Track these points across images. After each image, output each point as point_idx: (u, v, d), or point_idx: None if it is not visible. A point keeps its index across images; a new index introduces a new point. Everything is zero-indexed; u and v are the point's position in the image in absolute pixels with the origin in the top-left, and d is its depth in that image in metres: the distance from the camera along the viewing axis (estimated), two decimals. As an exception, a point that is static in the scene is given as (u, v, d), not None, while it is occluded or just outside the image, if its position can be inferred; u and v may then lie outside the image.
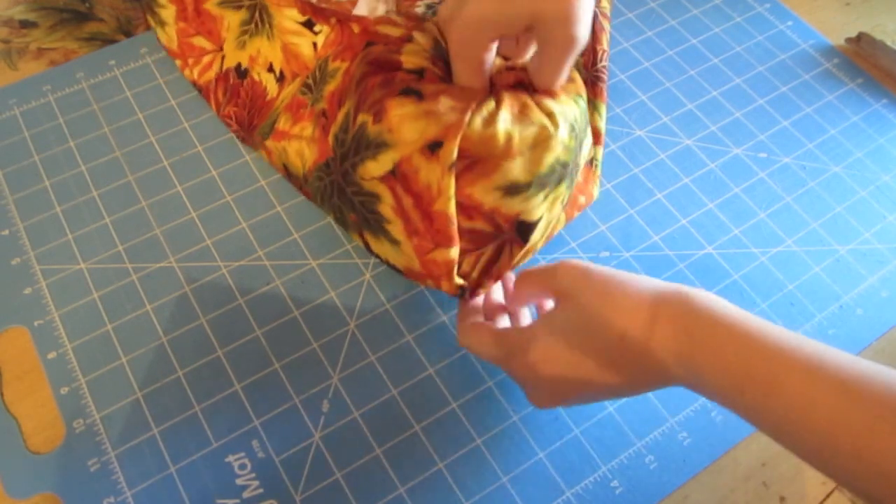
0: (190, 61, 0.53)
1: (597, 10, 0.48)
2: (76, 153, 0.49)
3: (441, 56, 0.38)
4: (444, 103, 0.35)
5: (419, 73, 0.37)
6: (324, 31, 0.49)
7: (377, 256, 0.43)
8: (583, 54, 0.47)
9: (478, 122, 0.35)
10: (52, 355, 0.42)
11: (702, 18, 0.60)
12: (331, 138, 0.40)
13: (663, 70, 0.56)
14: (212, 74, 0.52)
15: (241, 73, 0.51)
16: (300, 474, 0.39)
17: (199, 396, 0.41)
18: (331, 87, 0.42)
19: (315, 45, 0.48)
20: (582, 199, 0.47)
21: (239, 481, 0.39)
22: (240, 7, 0.52)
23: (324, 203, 0.44)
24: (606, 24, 0.49)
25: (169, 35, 0.53)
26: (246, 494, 0.38)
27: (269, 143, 0.48)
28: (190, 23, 0.53)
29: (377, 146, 0.37)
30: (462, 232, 0.38)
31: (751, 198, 0.50)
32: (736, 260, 0.48)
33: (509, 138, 0.36)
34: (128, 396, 0.41)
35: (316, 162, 0.43)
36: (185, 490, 0.38)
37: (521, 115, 0.36)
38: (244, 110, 0.50)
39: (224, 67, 0.52)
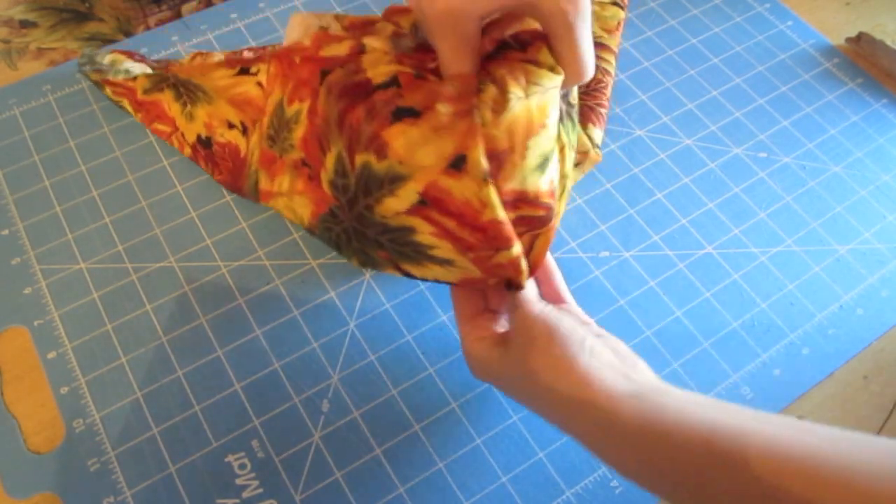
0: (169, 142, 0.50)
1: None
2: (76, 153, 0.49)
3: (405, 49, 0.35)
4: (444, 111, 0.32)
5: (393, 82, 0.33)
6: (262, 70, 0.46)
7: (422, 279, 0.39)
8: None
9: (488, 115, 0.32)
10: (52, 355, 0.42)
11: (702, 18, 0.60)
12: (326, 187, 0.37)
13: (663, 70, 0.56)
14: (188, 151, 0.49)
15: (205, 142, 0.49)
16: (300, 474, 0.39)
17: (199, 396, 0.41)
18: (298, 133, 0.38)
19: (260, 83, 0.45)
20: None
21: (239, 481, 0.39)
22: (162, 89, 0.50)
23: (342, 250, 0.40)
24: (610, 58, 0.49)
25: (140, 121, 0.51)
26: (246, 494, 0.38)
27: (263, 204, 0.45)
28: (142, 112, 0.51)
29: (392, 181, 0.33)
30: (515, 222, 0.35)
31: (751, 198, 0.50)
32: (736, 260, 0.47)
33: (529, 114, 0.32)
34: (128, 396, 0.41)
35: (315, 213, 0.40)
36: (184, 490, 0.38)
37: (529, 82, 0.32)
38: (228, 175, 0.48)
39: (190, 143, 0.49)
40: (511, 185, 0.33)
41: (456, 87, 0.32)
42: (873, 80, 0.57)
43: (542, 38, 0.34)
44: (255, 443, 0.40)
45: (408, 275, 0.38)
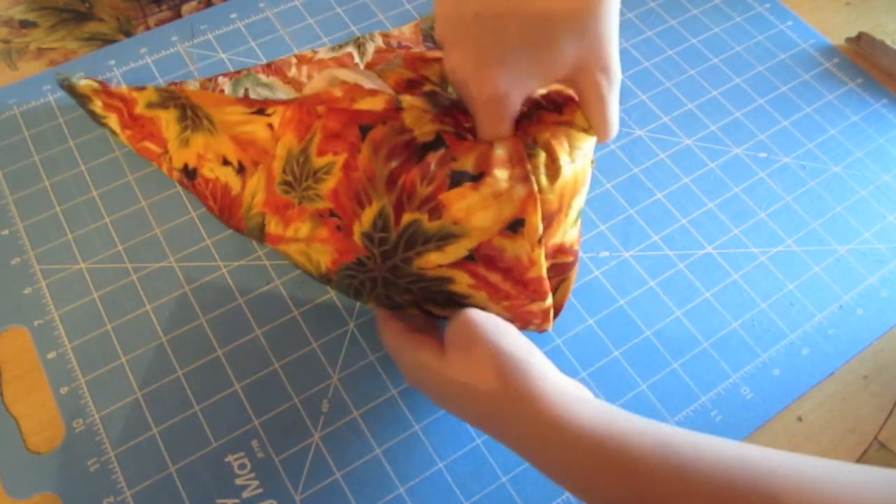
0: (154, 164, 0.49)
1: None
2: (76, 153, 0.49)
3: (442, 106, 0.36)
4: (501, 176, 0.33)
5: (439, 142, 0.34)
6: (278, 111, 0.44)
7: (440, 316, 0.40)
8: None
9: (544, 181, 0.34)
10: (51, 355, 0.42)
11: (702, 18, 0.60)
12: (358, 238, 0.37)
13: (663, 70, 0.56)
14: (176, 175, 0.48)
15: (190, 173, 0.47)
16: (300, 474, 0.39)
17: (199, 396, 0.41)
18: (329, 184, 0.37)
19: (270, 125, 0.43)
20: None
21: (239, 481, 0.39)
22: (168, 107, 0.48)
23: (361, 296, 0.40)
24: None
25: (126, 141, 0.49)
26: (246, 494, 0.38)
27: (268, 245, 0.44)
28: (133, 129, 0.48)
29: (441, 238, 0.35)
30: (549, 270, 0.37)
31: (751, 198, 0.50)
32: (736, 260, 0.47)
33: (575, 176, 0.35)
34: (128, 396, 0.41)
35: (337, 261, 0.39)
36: (184, 490, 0.38)
37: (572, 147, 0.35)
38: (217, 212, 0.46)
39: (177, 168, 0.47)
40: (554, 241, 0.36)
41: (507, 151, 0.34)
42: (873, 80, 0.57)
43: (574, 101, 0.36)
44: (255, 443, 0.40)
45: (428, 313, 0.40)
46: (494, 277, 0.36)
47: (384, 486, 0.39)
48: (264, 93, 0.51)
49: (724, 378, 0.43)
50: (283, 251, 0.42)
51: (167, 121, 0.48)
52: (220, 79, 0.52)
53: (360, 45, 0.54)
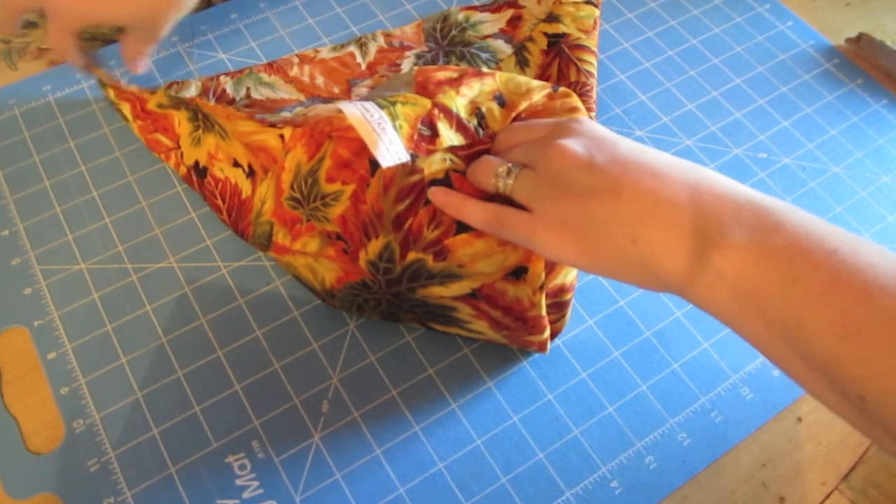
0: (162, 156, 0.49)
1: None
2: (76, 153, 0.49)
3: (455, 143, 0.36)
4: None
5: (446, 181, 0.35)
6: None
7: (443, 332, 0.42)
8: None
9: None
10: (52, 355, 0.42)
11: (702, 18, 0.60)
12: (364, 265, 0.38)
13: (663, 70, 0.56)
14: (183, 170, 0.48)
15: (200, 171, 0.46)
16: (300, 474, 0.39)
17: (199, 396, 0.41)
18: (337, 210, 0.37)
19: (282, 136, 0.41)
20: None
21: (239, 482, 0.39)
22: (179, 108, 0.47)
23: (364, 312, 0.41)
24: (591, 59, 0.49)
25: (135, 131, 0.49)
26: (246, 495, 0.38)
27: (273, 255, 0.43)
28: (145, 120, 0.49)
29: (445, 277, 0.36)
30: (549, 308, 0.38)
31: (751, 198, 0.50)
32: (736, 260, 0.47)
33: None
34: (128, 396, 0.41)
35: (342, 280, 0.40)
36: (184, 490, 0.38)
37: None
38: (224, 214, 0.46)
39: (187, 165, 0.47)
40: (555, 283, 0.37)
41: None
42: (873, 81, 0.57)
43: None
44: (255, 443, 0.40)
45: (430, 328, 0.41)
46: (495, 313, 0.37)
47: (384, 486, 0.39)
48: (266, 92, 0.51)
49: (724, 378, 0.43)
50: (287, 262, 0.42)
51: (179, 119, 0.48)
52: (223, 77, 0.52)
53: (362, 45, 0.54)
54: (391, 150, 0.34)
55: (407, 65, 0.53)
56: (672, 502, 0.39)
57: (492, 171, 0.34)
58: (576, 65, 0.48)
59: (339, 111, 0.37)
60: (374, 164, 0.36)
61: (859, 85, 0.57)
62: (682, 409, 0.42)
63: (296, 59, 0.53)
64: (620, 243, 0.30)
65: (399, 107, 0.36)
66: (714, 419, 0.42)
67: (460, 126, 0.37)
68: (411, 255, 0.36)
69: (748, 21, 0.60)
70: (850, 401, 0.26)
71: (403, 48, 0.54)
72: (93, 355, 0.42)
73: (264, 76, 0.52)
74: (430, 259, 0.35)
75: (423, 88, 0.38)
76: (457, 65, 0.52)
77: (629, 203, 0.30)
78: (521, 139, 0.36)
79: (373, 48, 0.54)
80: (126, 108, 0.49)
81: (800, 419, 0.42)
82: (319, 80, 0.52)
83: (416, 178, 0.35)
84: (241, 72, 0.52)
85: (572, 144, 0.32)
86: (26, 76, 0.53)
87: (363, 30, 0.56)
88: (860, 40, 0.58)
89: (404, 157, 0.34)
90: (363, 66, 0.53)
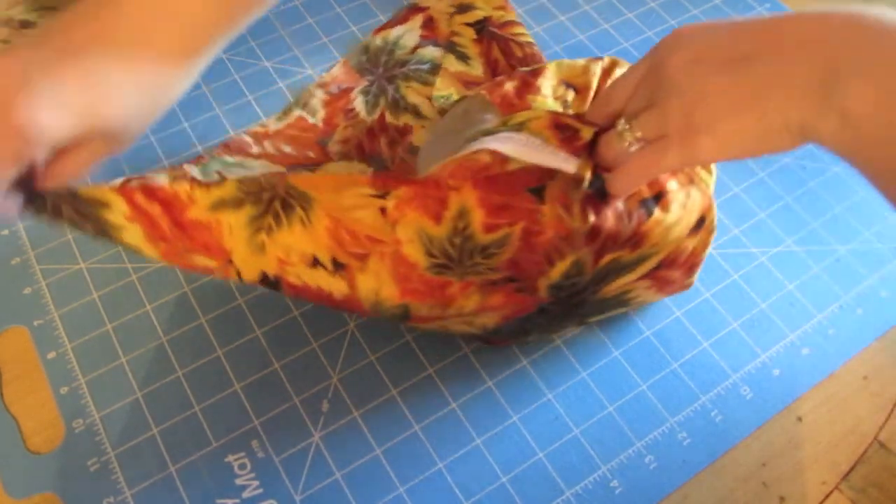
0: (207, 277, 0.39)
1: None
2: (76, 153, 0.49)
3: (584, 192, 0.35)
4: (674, 187, 0.35)
5: (599, 178, 0.34)
6: (393, 193, 0.35)
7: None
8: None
9: (703, 174, 0.37)
10: (51, 355, 0.42)
11: (702, 18, 0.60)
12: (544, 292, 0.37)
13: (663, 70, 0.56)
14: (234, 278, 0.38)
15: (271, 283, 0.37)
16: (300, 474, 0.39)
17: (199, 396, 0.41)
18: (504, 256, 0.35)
19: (383, 209, 0.35)
20: None
21: (239, 481, 0.39)
22: (242, 204, 0.35)
23: (529, 334, 0.42)
24: (522, 30, 0.49)
25: (153, 256, 0.36)
26: (246, 494, 0.38)
27: (412, 325, 0.41)
28: (172, 241, 0.36)
29: (636, 262, 0.37)
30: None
31: (751, 198, 0.50)
32: (736, 260, 0.47)
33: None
34: (128, 396, 0.41)
35: (510, 317, 0.38)
36: (184, 490, 0.38)
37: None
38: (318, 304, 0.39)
39: (248, 280, 0.37)
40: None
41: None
42: (873, 80, 0.57)
43: None
44: (255, 443, 0.40)
45: (584, 323, 0.43)
46: (674, 274, 0.39)
47: (384, 486, 0.39)
48: (239, 171, 0.45)
49: (725, 378, 0.43)
50: (434, 327, 0.40)
51: (232, 225, 0.35)
52: (186, 166, 0.45)
53: (304, 105, 0.50)
54: (565, 160, 0.33)
55: (360, 105, 0.50)
56: (672, 502, 0.39)
57: (614, 135, 0.33)
58: (513, 41, 0.48)
59: (474, 153, 0.35)
60: (537, 191, 0.34)
61: (859, 84, 0.56)
62: (682, 408, 0.42)
63: (249, 139, 0.48)
64: (761, 108, 0.29)
65: (528, 126, 0.35)
66: (714, 419, 0.42)
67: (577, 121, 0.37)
68: (606, 258, 0.36)
69: (748, 21, 0.60)
70: None
71: (345, 91, 0.50)
72: (93, 355, 0.42)
73: (228, 158, 0.47)
74: (625, 253, 0.36)
75: (511, 106, 0.38)
76: (406, 86, 0.50)
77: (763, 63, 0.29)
78: (622, 96, 0.34)
79: (317, 103, 0.50)
80: (134, 233, 0.35)
81: (800, 419, 0.42)
82: (288, 149, 0.48)
83: (584, 187, 0.33)
84: (201, 158, 0.46)
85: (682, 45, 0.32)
86: (26, 76, 0.53)
87: (363, 30, 0.56)
88: (860, 40, 0.58)
89: (574, 161, 0.33)
90: (320, 125, 0.49)
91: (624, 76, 0.34)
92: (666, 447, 0.41)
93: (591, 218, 0.33)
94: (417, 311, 0.37)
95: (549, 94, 0.39)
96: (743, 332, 0.45)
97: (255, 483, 0.39)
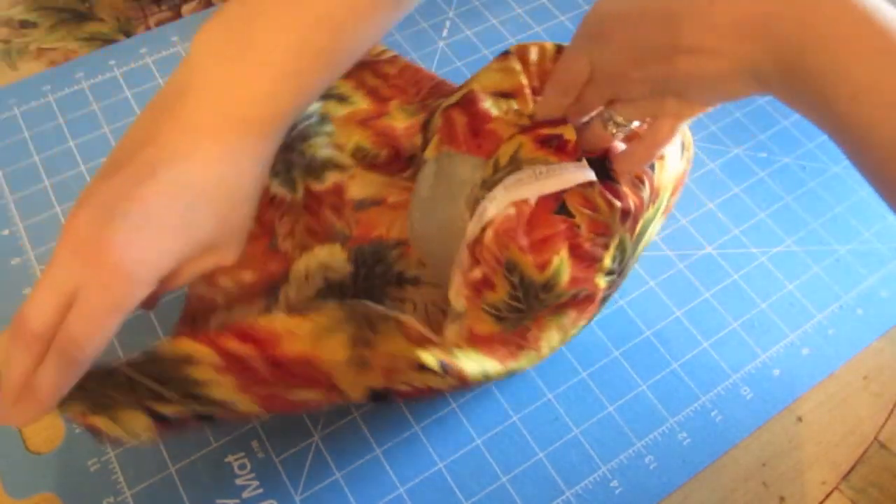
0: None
1: None
2: (76, 153, 0.49)
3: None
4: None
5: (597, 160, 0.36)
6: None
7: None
8: None
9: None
10: (52, 355, 0.42)
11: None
12: (601, 282, 0.36)
13: (663, 70, 0.56)
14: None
15: (380, 395, 0.34)
16: (300, 474, 0.39)
17: (199, 396, 0.41)
18: (564, 279, 0.35)
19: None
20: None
21: (239, 481, 0.39)
22: (342, 329, 0.32)
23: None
24: None
25: (249, 410, 0.33)
26: (246, 494, 0.38)
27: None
28: (271, 383, 0.32)
29: (656, 212, 0.38)
30: None
31: (751, 198, 0.50)
32: (736, 260, 0.47)
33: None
34: (128, 396, 0.41)
35: (588, 319, 0.39)
36: (184, 490, 0.38)
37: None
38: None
39: (355, 398, 0.34)
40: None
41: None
42: (873, 80, 0.57)
43: None
44: (255, 443, 0.40)
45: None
46: (675, 198, 0.41)
47: (384, 486, 0.39)
48: None
49: (724, 378, 0.43)
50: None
51: (332, 349, 0.32)
52: None
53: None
54: (576, 170, 0.34)
55: (277, 188, 0.42)
56: (672, 502, 0.39)
57: (599, 124, 0.35)
58: (380, 61, 0.46)
59: (514, 205, 0.35)
60: (563, 209, 0.34)
61: (859, 84, 0.57)
62: (682, 408, 0.42)
63: (204, 287, 0.41)
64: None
65: (520, 157, 0.35)
66: (714, 419, 0.42)
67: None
68: (639, 226, 0.36)
69: (748, 21, 0.60)
70: None
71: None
72: (93, 355, 0.42)
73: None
74: (650, 212, 0.37)
75: (478, 147, 0.37)
76: (308, 146, 0.42)
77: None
78: (577, 81, 0.34)
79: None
80: (226, 388, 0.31)
81: (800, 419, 0.42)
82: (248, 276, 0.41)
83: (594, 178, 0.34)
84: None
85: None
86: (26, 76, 0.53)
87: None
88: (860, 40, 0.58)
89: (584, 167, 0.34)
90: (256, 230, 0.41)
91: (567, 61, 0.34)
92: (666, 447, 0.41)
93: (617, 203, 0.34)
94: (518, 366, 0.37)
95: (500, 114, 0.37)
96: (743, 332, 0.45)
97: (255, 483, 0.39)
